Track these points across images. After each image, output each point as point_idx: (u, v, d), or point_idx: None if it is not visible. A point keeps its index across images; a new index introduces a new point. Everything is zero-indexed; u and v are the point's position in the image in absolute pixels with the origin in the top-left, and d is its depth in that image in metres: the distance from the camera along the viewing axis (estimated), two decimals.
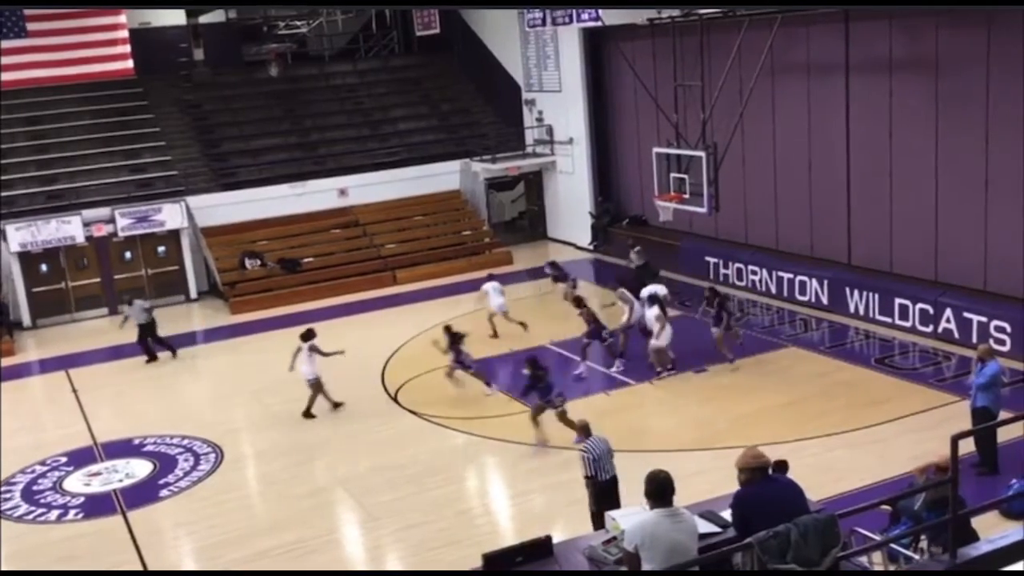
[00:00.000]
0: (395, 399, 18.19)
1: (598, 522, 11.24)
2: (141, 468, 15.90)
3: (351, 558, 12.80)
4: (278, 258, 27.18)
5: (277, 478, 15.27)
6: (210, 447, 16.52)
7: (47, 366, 22.66)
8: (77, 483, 15.52)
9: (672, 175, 19.83)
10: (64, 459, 16.47)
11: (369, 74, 34.24)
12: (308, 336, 17.44)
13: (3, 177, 27.09)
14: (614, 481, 11.84)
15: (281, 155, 30.34)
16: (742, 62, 19.98)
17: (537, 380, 15.56)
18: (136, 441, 16.98)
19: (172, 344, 22.05)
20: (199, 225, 27.42)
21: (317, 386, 17.32)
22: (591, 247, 28.93)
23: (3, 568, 12.44)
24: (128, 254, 26.87)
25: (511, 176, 30.92)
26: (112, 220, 26.17)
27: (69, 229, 25.66)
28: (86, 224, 25.84)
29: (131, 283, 26.87)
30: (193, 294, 27.40)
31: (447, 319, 22.37)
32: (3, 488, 15.32)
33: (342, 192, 29.20)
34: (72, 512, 14.55)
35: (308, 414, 17.33)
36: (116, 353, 22.63)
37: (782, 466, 10.07)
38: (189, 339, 23.75)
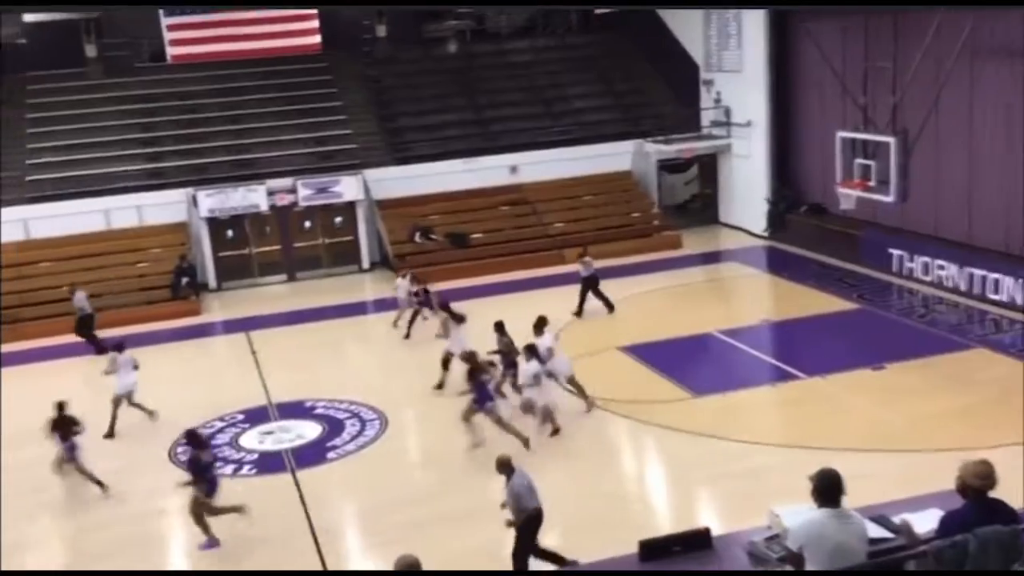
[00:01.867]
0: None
1: (521, 559, 10.87)
2: (311, 430, 16.50)
3: (504, 535, 12.82)
4: (447, 232, 27.61)
5: (437, 449, 15.50)
6: (376, 414, 16.95)
7: (229, 327, 23.85)
8: (252, 440, 16.26)
9: (857, 161, 18.88)
10: (241, 416, 17.27)
11: (545, 51, 34.22)
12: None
13: (198, 146, 28.73)
14: (541, 514, 11.09)
15: (455, 131, 30.77)
16: (939, 42, 18.73)
17: (478, 384, 14.95)
18: (307, 404, 17.61)
19: (104, 346, 20.54)
20: (374, 197, 28.19)
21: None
22: (765, 234, 28.00)
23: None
24: (307, 223, 27.95)
25: (684, 158, 30.29)
26: (294, 190, 27.24)
27: (254, 197, 26.91)
28: (270, 193, 27.01)
29: (309, 251, 28.03)
30: (366, 264, 28.23)
31: (612, 300, 22.19)
32: (183, 441, 16.17)
33: (513, 169, 29.37)
34: (246, 467, 15.25)
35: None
36: (294, 318, 23.61)
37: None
38: (360, 308, 24.48)
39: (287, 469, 15.03)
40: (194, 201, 26.72)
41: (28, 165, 27.57)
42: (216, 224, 27.04)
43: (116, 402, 16.89)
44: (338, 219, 28.07)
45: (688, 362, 18.73)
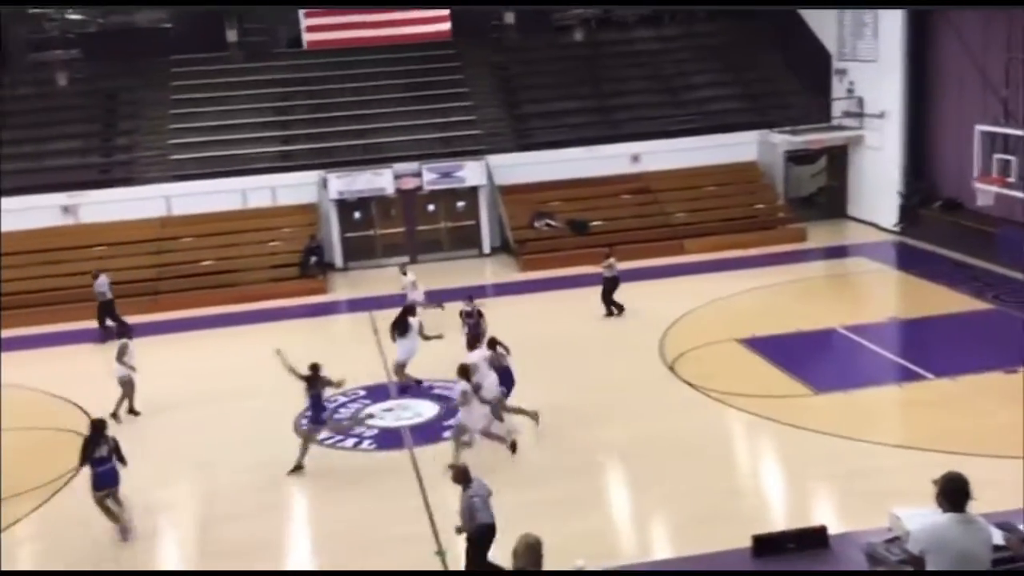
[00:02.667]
0: (671, 369, 18.06)
1: (472, 572, 10.63)
2: (428, 409, 16.90)
3: (617, 522, 12.91)
4: (568, 219, 27.70)
5: (550, 433, 15.64)
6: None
7: (354, 306, 24.56)
8: (374, 417, 16.74)
9: (996, 156, 18.13)
10: (362, 393, 17.80)
11: (672, 40, 33.86)
12: None
13: (329, 129, 29.60)
14: (494, 529, 10.79)
15: (579, 118, 30.78)
16: None
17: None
18: (425, 383, 18.00)
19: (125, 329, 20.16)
20: (497, 183, 28.49)
21: None
22: (896, 229, 27.11)
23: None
24: (431, 207, 28.48)
25: (813, 149, 29.55)
26: (419, 174, 27.77)
27: (380, 181, 27.57)
28: (396, 177, 27.63)
29: (431, 235, 28.58)
30: (486, 249, 28.58)
31: (733, 292, 21.95)
32: (308, 414, 16.77)
33: (635, 158, 29.22)
34: (366, 442, 15.75)
35: None
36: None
37: None
38: (480, 292, 24.76)
39: (404, 446, 15.43)
40: (324, 183, 27.56)
41: (171, 145, 28.91)
42: (344, 206, 27.84)
43: (126, 385, 17.10)
44: (460, 204, 28.50)
45: (810, 358, 18.37)
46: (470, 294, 19.77)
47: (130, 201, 27.12)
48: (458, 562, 11.68)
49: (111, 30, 31.44)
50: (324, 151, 29.01)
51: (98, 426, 12.97)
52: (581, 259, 26.23)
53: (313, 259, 26.32)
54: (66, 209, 26.89)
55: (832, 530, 10.36)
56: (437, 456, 14.56)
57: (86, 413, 17.26)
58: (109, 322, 22.48)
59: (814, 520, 11.44)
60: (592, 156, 28.89)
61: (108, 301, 22.56)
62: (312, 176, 27.90)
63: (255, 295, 24.77)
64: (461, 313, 19.24)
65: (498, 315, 22.72)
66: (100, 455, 12.52)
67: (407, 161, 28.14)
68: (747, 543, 10.80)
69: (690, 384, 17.16)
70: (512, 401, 15.70)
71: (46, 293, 25.04)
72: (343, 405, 17.27)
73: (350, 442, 15.70)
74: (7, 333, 22.80)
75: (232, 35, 31.56)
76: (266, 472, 14.67)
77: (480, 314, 18.88)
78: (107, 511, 12.83)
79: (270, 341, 18.72)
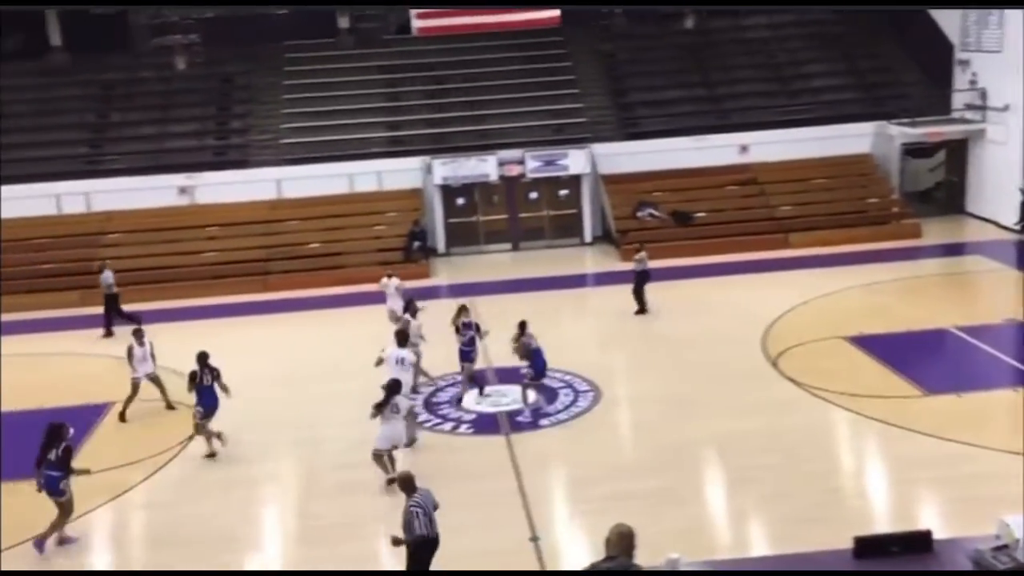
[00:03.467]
0: (774, 364, 17.70)
1: None
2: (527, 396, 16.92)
3: (713, 518, 12.73)
4: (671, 210, 27.38)
5: (649, 424, 15.54)
6: (589, 386, 17.17)
7: (455, 291, 24.77)
8: (471, 401, 16.89)
9: None
10: (460, 378, 17.93)
11: (785, 27, 33.07)
12: None
13: (435, 116, 29.91)
14: (437, 541, 10.38)
15: (686, 107, 30.37)
16: None
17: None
18: (523, 370, 18.02)
19: (137, 316, 20.77)
20: (600, 172, 28.34)
21: None
22: (1017, 227, 25.96)
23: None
24: (533, 195, 28.51)
25: (931, 143, 28.52)
26: (523, 162, 27.83)
27: (484, 167, 27.74)
28: (500, 164, 27.74)
29: (533, 222, 28.62)
30: (587, 238, 28.48)
31: (840, 288, 21.39)
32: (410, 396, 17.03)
33: (743, 148, 28.69)
34: (464, 427, 15.90)
35: None
36: (516, 286, 24.22)
37: None
38: (580, 281, 24.77)
39: (501, 432, 15.52)
40: (429, 169, 27.87)
41: (283, 129, 29.64)
42: (448, 191, 28.11)
43: (154, 379, 16.89)
44: (563, 192, 28.45)
45: (920, 358, 17.76)
46: (465, 304, 17.71)
47: (242, 183, 27.94)
48: (554, 551, 11.71)
49: (228, 15, 32.36)
50: (430, 137, 29.34)
51: (202, 358, 14.94)
52: (684, 250, 25.93)
53: (416, 244, 26.67)
54: (183, 190, 27.86)
55: (937, 535, 10.03)
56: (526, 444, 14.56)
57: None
58: (116, 317, 22.07)
59: (919, 524, 11.09)
60: (699, 146, 28.47)
61: (113, 295, 22.28)
62: (417, 162, 28.24)
63: (359, 278, 25.21)
64: (457, 326, 17.09)
65: (598, 305, 22.74)
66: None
67: (512, 148, 28.22)
68: (847, 544, 10.54)
69: (793, 381, 16.79)
70: (606, 392, 15.59)
71: (163, 270, 26.01)
72: (441, 390, 17.46)
73: (448, 426, 15.88)
74: (127, 308, 23.77)
75: (344, 21, 32.17)
76: (364, 451, 14.95)
77: (477, 328, 17.12)
78: (207, 435, 14.68)
79: (373, 323, 19.14)
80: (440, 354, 17.80)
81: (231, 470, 14.54)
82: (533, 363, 16.12)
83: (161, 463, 14.91)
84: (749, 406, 15.86)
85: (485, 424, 15.91)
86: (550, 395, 16.76)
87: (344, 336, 20.84)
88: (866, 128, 28.69)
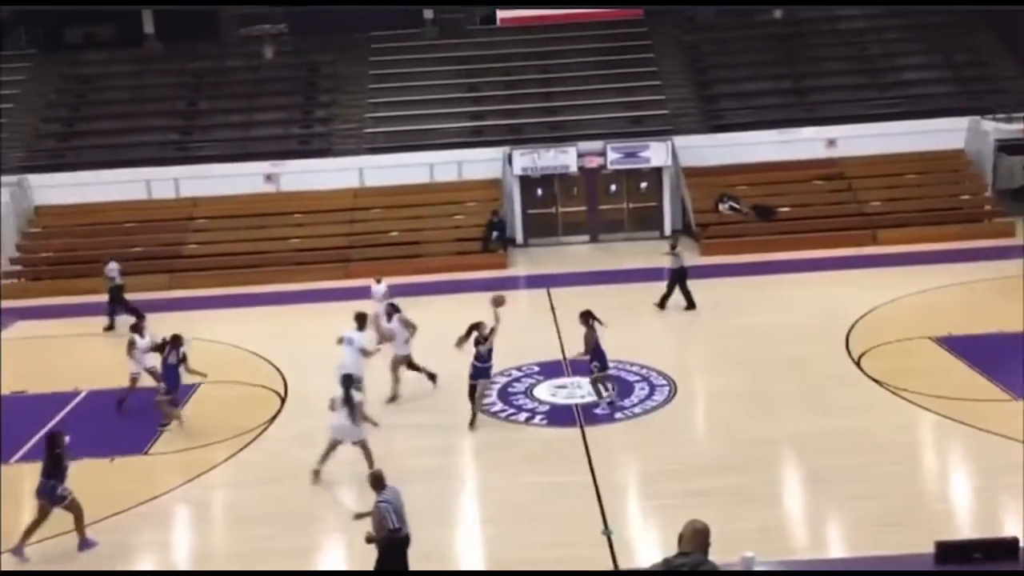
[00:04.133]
0: (858, 364, 17.30)
1: None
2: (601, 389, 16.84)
3: (791, 518, 12.51)
4: (753, 204, 26.95)
5: (726, 421, 15.33)
6: (665, 380, 17.02)
7: (532, 282, 24.82)
8: (545, 392, 16.90)
9: None
10: (536, 368, 17.98)
11: (880, 18, 32.22)
12: None
13: (516, 106, 29.94)
14: (408, 539, 10.15)
15: (771, 100, 29.86)
16: None
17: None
18: (592, 364, 17.95)
19: (138, 310, 19.76)
20: (681, 164, 28.03)
21: None
22: None
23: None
24: (613, 187, 28.37)
25: None
26: (603, 153, 27.70)
27: (564, 159, 27.69)
28: (580, 155, 27.66)
29: (612, 214, 28.49)
30: (667, 231, 28.21)
31: (929, 287, 20.81)
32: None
33: (831, 142, 28.08)
34: (538, 417, 15.90)
35: None
36: (594, 278, 24.12)
37: None
38: (658, 274, 24.48)
39: (576, 424, 15.48)
40: (509, 159, 27.91)
41: (366, 118, 30.01)
42: (527, 182, 28.13)
43: (153, 373, 16.45)
44: (643, 184, 28.25)
45: (1012, 361, 17.13)
46: (481, 321, 15.84)
47: (326, 172, 28.38)
48: (626, 545, 11.64)
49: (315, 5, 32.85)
50: (511, 128, 29.38)
51: (175, 340, 15.63)
52: (766, 246, 25.52)
53: (495, 234, 26.76)
54: (268, 177, 28.42)
55: None
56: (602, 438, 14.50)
57: (279, 371, 18.30)
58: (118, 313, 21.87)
59: (1004, 531, 10.74)
60: (784, 139, 27.99)
61: (118, 286, 22.17)
62: (497, 152, 28.32)
63: (439, 267, 25.43)
64: (476, 339, 15.56)
65: (676, 299, 22.44)
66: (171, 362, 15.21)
67: (593, 139, 28.10)
68: (929, 549, 10.27)
69: (877, 381, 16.38)
70: (682, 386, 15.38)
71: (248, 255, 26.58)
72: (516, 380, 17.50)
73: (522, 416, 15.90)
74: (214, 292, 24.40)
75: (429, 12, 32.38)
76: (440, 437, 15.08)
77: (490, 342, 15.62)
78: (168, 413, 15.60)
79: (451, 312, 19.20)
80: (522, 345, 17.83)
81: (311, 453, 14.77)
82: (597, 357, 15.88)
83: (244, 443, 15.25)
84: (830, 405, 15.53)
85: (559, 416, 15.88)
86: (625, 389, 16.66)
87: (422, 324, 20.99)
88: (959, 123, 27.86)
